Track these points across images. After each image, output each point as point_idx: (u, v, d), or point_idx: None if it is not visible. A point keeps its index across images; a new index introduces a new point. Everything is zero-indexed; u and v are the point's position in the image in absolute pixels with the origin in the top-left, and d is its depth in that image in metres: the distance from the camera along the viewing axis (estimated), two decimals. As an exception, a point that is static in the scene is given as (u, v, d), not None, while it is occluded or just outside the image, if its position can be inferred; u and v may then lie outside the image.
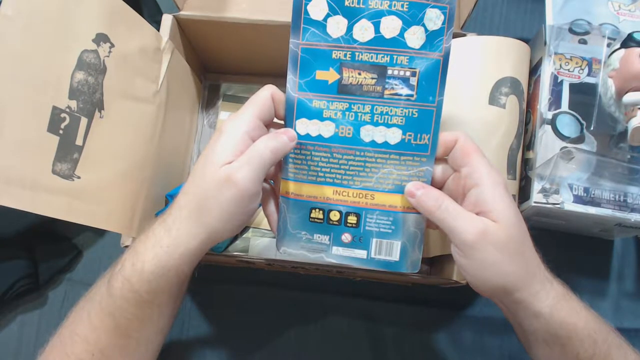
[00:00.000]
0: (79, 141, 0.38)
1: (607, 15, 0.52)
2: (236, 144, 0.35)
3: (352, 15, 0.37)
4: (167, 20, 0.50)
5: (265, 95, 0.37)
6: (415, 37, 0.37)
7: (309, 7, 0.37)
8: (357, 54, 0.37)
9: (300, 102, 0.39)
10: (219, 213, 0.35)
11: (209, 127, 0.62)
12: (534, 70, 0.53)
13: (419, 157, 0.39)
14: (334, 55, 0.38)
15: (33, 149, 0.35)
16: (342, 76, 0.38)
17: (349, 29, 0.37)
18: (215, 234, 0.36)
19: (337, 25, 0.37)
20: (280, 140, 0.37)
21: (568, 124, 0.50)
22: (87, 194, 0.39)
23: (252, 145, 0.36)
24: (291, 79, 0.38)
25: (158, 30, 0.49)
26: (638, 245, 0.60)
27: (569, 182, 0.49)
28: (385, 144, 0.39)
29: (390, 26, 0.37)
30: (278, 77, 0.42)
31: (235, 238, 0.58)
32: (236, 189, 0.34)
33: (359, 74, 0.38)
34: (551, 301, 0.35)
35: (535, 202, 0.49)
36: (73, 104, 0.37)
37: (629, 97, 0.45)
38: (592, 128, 0.49)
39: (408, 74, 0.37)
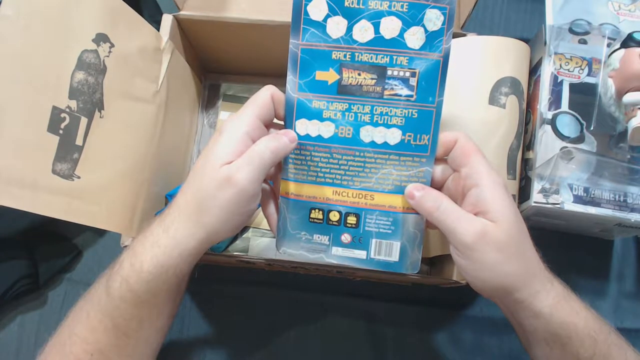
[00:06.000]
0: (79, 141, 0.38)
1: (607, 15, 0.52)
2: (236, 144, 0.35)
3: (352, 16, 0.37)
4: (167, 20, 0.50)
5: (265, 96, 0.37)
6: (415, 37, 0.37)
7: (308, 8, 0.37)
8: (356, 54, 0.37)
9: (300, 103, 0.39)
10: (218, 213, 0.35)
11: (209, 127, 0.62)
12: (534, 70, 0.53)
13: (419, 157, 0.39)
14: (333, 56, 0.38)
15: (33, 149, 0.35)
16: (342, 77, 0.38)
17: (349, 29, 0.37)
18: (214, 234, 0.36)
19: (336, 26, 0.37)
20: (281, 141, 0.37)
21: (568, 124, 0.50)
22: (87, 194, 0.39)
23: (252, 145, 0.36)
24: (291, 79, 0.38)
25: (158, 30, 0.49)
26: (638, 245, 0.60)
27: (569, 182, 0.49)
28: (385, 145, 0.39)
29: (390, 27, 0.37)
30: (278, 77, 0.42)
31: (235, 238, 0.58)
32: (236, 190, 0.34)
33: (359, 74, 0.38)
34: (551, 301, 0.35)
35: (535, 202, 0.49)
36: (73, 104, 0.37)
37: (629, 97, 0.45)
38: (592, 128, 0.49)
39: (408, 74, 0.37)
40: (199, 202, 0.35)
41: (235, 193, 0.34)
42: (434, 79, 0.37)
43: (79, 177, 0.38)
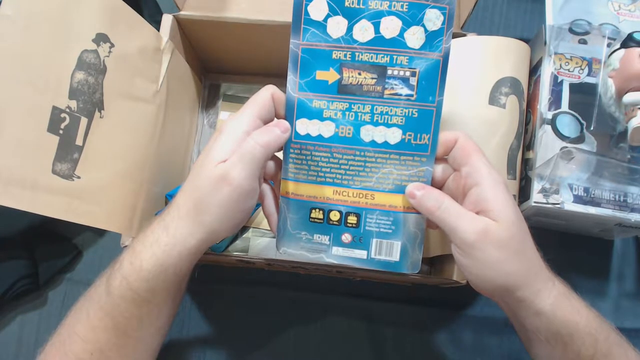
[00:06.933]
0: (79, 141, 0.38)
1: (607, 15, 0.52)
2: (233, 143, 0.35)
3: (352, 16, 0.37)
4: (167, 20, 0.50)
5: (266, 95, 0.37)
6: (415, 37, 0.37)
7: (309, 8, 0.37)
8: (357, 54, 0.37)
9: (301, 102, 0.39)
10: (216, 212, 0.35)
11: (209, 127, 0.62)
12: (534, 70, 0.53)
13: (419, 157, 0.39)
14: (334, 56, 0.38)
15: (33, 149, 0.35)
16: (342, 76, 0.38)
17: (349, 29, 0.37)
18: (213, 233, 0.36)
19: (337, 26, 0.37)
20: (273, 133, 0.36)
21: (568, 124, 0.50)
22: (87, 194, 0.39)
23: (243, 142, 0.35)
24: (291, 79, 0.38)
25: (158, 30, 0.49)
26: (638, 245, 0.60)
27: (569, 182, 0.49)
28: (385, 144, 0.39)
29: (390, 26, 0.37)
30: (278, 77, 0.42)
31: (235, 238, 0.58)
32: (231, 187, 0.34)
33: (359, 74, 0.38)
34: (553, 300, 0.35)
35: (535, 202, 0.49)
36: (73, 104, 0.37)
37: (629, 97, 0.45)
38: (592, 128, 0.49)
39: (408, 74, 0.37)
40: (197, 201, 0.35)
41: (231, 190, 0.34)
42: (434, 79, 0.37)
43: (79, 177, 0.38)
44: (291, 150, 0.40)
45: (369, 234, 0.41)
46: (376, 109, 0.38)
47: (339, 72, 0.38)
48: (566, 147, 0.49)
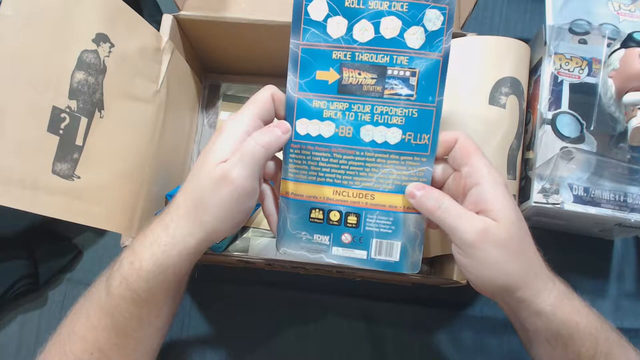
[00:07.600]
0: (79, 141, 0.38)
1: (607, 15, 0.52)
2: (234, 143, 0.35)
3: (352, 16, 0.37)
4: (167, 20, 0.50)
5: (266, 95, 0.37)
6: (414, 37, 0.37)
7: (309, 8, 0.37)
8: (357, 54, 0.37)
9: (301, 102, 0.39)
10: (216, 211, 0.35)
11: (209, 127, 0.62)
12: (534, 70, 0.53)
13: (419, 157, 0.39)
14: (334, 56, 0.38)
15: (33, 149, 0.35)
16: (342, 76, 0.38)
17: (349, 29, 0.37)
18: (213, 233, 0.36)
19: (337, 26, 0.37)
20: (273, 134, 0.37)
21: (568, 124, 0.50)
22: (87, 194, 0.39)
23: (244, 142, 0.35)
24: (291, 79, 0.38)
25: (158, 30, 0.49)
26: (638, 245, 0.60)
27: (569, 182, 0.49)
28: (385, 144, 0.39)
29: (390, 26, 0.37)
30: (278, 77, 0.42)
31: (235, 238, 0.58)
32: (231, 187, 0.34)
33: (359, 74, 0.38)
34: (553, 300, 0.35)
35: (535, 202, 0.49)
36: (73, 104, 0.37)
37: (629, 97, 0.45)
38: (592, 128, 0.49)
39: (408, 74, 0.37)
40: (197, 201, 0.35)
41: (232, 190, 0.34)
42: (434, 79, 0.37)
43: (79, 177, 0.38)
44: (291, 150, 0.40)
45: (369, 234, 0.41)
46: (376, 109, 0.38)
47: (339, 72, 0.38)
48: (566, 147, 0.49)
